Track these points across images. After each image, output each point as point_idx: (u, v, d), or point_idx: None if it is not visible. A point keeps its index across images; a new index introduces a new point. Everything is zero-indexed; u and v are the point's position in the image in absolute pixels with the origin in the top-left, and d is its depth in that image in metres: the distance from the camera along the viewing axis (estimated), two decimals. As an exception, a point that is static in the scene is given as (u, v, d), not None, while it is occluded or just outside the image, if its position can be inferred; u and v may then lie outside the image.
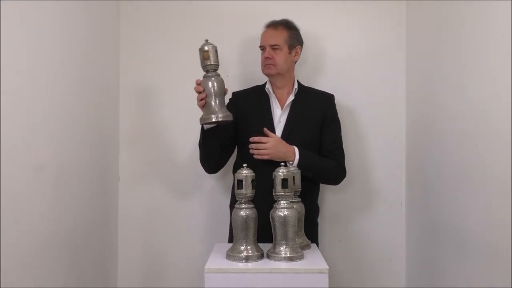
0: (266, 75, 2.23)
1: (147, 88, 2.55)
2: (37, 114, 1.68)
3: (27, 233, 1.62)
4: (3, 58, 1.46)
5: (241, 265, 1.70)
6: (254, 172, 1.79)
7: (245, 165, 1.79)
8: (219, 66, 1.97)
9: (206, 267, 1.67)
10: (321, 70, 2.54)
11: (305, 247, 1.89)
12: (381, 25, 2.54)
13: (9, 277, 1.49)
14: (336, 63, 2.53)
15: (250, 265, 1.70)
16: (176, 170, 2.54)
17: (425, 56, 2.31)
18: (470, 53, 1.84)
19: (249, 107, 2.22)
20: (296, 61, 2.27)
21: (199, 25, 2.52)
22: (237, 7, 2.53)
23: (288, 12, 2.32)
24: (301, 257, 1.74)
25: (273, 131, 2.14)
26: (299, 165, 2.01)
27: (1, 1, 1.45)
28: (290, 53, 2.20)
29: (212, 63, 1.94)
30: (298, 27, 2.25)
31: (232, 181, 2.17)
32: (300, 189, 1.91)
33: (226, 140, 2.15)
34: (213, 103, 1.95)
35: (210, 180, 2.52)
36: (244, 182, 1.76)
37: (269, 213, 1.76)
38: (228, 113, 1.97)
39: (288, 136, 2.13)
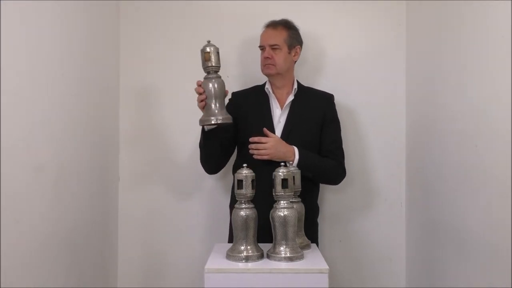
0: (266, 75, 2.23)
1: (147, 88, 2.55)
2: (37, 114, 1.68)
3: (27, 233, 1.62)
4: (3, 58, 1.46)
5: (241, 265, 1.70)
6: (254, 172, 1.79)
7: (245, 165, 1.79)
8: (220, 68, 1.97)
9: (206, 267, 1.67)
10: (321, 70, 2.54)
11: (305, 247, 1.89)
12: (381, 25, 2.54)
13: (9, 277, 1.49)
14: (336, 63, 2.53)
15: (250, 265, 1.70)
16: (176, 170, 2.54)
17: (425, 56, 2.31)
18: (470, 53, 1.84)
19: (249, 107, 2.22)
20: (295, 61, 2.27)
21: (199, 25, 2.52)
22: (237, 7, 2.53)
23: (288, 12, 2.32)
24: (301, 257, 1.74)
25: (273, 131, 2.14)
26: (299, 165, 2.01)
27: (1, 1, 1.45)
28: (289, 53, 2.20)
29: (213, 64, 1.94)
30: (297, 27, 2.25)
31: (232, 181, 2.17)
32: (300, 189, 1.91)
33: (226, 140, 2.15)
34: (213, 105, 1.95)
35: (210, 180, 2.52)
36: (244, 182, 1.76)
37: (269, 213, 1.76)
38: (228, 115, 1.97)
39: (288, 136, 2.13)
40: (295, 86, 2.24)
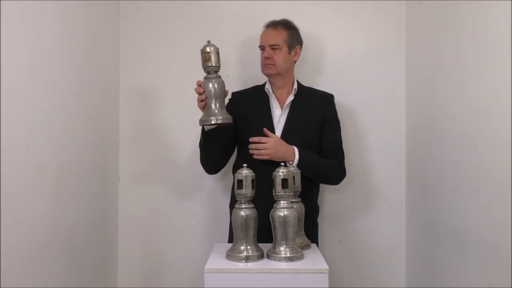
0: (266, 75, 2.23)
1: (147, 88, 2.55)
2: (37, 114, 1.68)
3: (27, 233, 1.62)
4: (3, 58, 1.46)
5: (241, 265, 1.70)
6: (254, 172, 1.79)
7: (245, 165, 1.79)
8: (220, 68, 1.97)
9: (206, 267, 1.67)
10: (321, 70, 2.54)
11: (305, 247, 1.89)
12: (381, 25, 2.54)
13: (9, 277, 1.49)
14: (336, 63, 2.53)
15: (250, 265, 1.70)
16: (176, 170, 2.54)
17: (425, 56, 2.31)
18: (470, 53, 1.84)
19: (249, 107, 2.22)
20: (295, 61, 2.27)
21: (199, 25, 2.52)
22: (237, 7, 2.53)
23: (288, 12, 2.32)
24: (301, 257, 1.74)
25: (273, 131, 2.14)
26: (299, 165, 2.01)
27: (1, 1, 1.45)
28: (289, 53, 2.20)
29: (213, 64, 1.94)
30: (297, 27, 2.25)
31: (232, 181, 2.17)
32: (300, 189, 1.91)
33: (226, 140, 2.15)
34: (212, 105, 1.95)
35: (210, 180, 2.52)
36: (244, 182, 1.76)
37: (269, 213, 1.76)
38: (228, 115, 1.97)
39: (288, 136, 2.13)
40: (295, 86, 2.24)
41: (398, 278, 2.53)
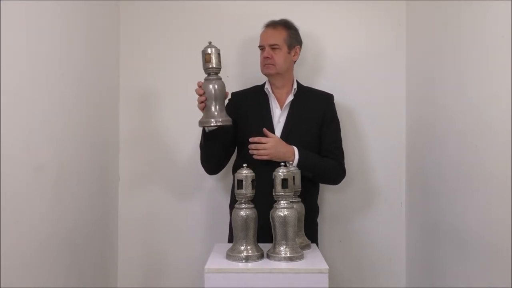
0: (265, 75, 2.23)
1: (147, 88, 2.55)
2: (37, 114, 1.68)
3: (27, 233, 1.62)
4: (3, 58, 1.46)
5: (241, 265, 1.70)
6: (254, 172, 1.79)
7: (245, 165, 1.79)
8: (221, 69, 1.97)
9: (206, 267, 1.67)
10: (321, 70, 2.54)
11: (305, 247, 1.89)
12: (381, 25, 2.54)
13: (9, 277, 1.49)
14: (335, 63, 2.53)
15: (250, 265, 1.70)
16: (176, 170, 2.54)
17: (425, 56, 2.31)
18: (470, 53, 1.84)
19: (249, 108, 2.22)
20: (295, 61, 2.27)
21: (199, 25, 2.52)
22: (237, 7, 2.53)
23: (288, 12, 2.32)
24: (301, 257, 1.74)
25: (273, 131, 2.14)
26: (299, 165, 2.01)
27: (1, 1, 1.45)
28: (289, 53, 2.20)
29: (213, 66, 1.93)
30: (297, 27, 2.25)
31: (232, 181, 2.17)
32: (300, 189, 1.91)
33: (226, 141, 2.15)
34: (212, 107, 1.95)
35: (210, 180, 2.51)
36: (244, 182, 1.76)
37: (269, 213, 1.76)
38: (228, 117, 1.97)
39: (288, 136, 2.13)
40: (295, 86, 2.24)
41: (398, 278, 2.53)
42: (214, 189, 2.53)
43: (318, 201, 2.31)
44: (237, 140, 2.21)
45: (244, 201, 1.77)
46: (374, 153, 2.54)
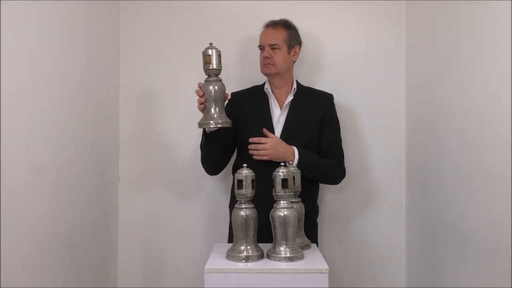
0: (265, 74, 2.23)
1: (147, 88, 2.55)
2: (37, 114, 1.68)
3: (27, 233, 1.62)
4: (3, 58, 1.46)
5: (241, 265, 1.70)
6: (254, 172, 1.79)
7: (245, 165, 1.79)
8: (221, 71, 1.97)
9: (206, 267, 1.67)
10: (320, 70, 2.54)
11: (305, 247, 1.89)
12: (381, 25, 2.54)
13: (9, 277, 1.49)
14: (335, 63, 2.53)
15: (250, 265, 1.70)
16: (176, 170, 2.54)
17: (425, 56, 2.31)
18: (470, 53, 1.84)
19: (248, 108, 2.22)
20: (295, 61, 2.27)
21: (199, 25, 2.52)
22: (237, 7, 2.53)
23: (288, 12, 2.32)
24: (301, 257, 1.74)
25: (272, 131, 2.14)
26: (299, 165, 2.01)
27: (1, 1, 1.45)
28: (289, 52, 2.20)
29: (214, 67, 1.93)
30: (297, 27, 2.25)
31: (232, 181, 2.17)
32: (300, 189, 1.91)
33: (227, 141, 2.15)
34: (212, 109, 1.95)
35: (210, 181, 2.51)
36: (244, 182, 1.76)
37: (269, 213, 1.76)
38: (227, 119, 1.97)
39: (287, 136, 2.13)
40: (294, 86, 2.24)
41: (398, 278, 2.53)
42: (214, 189, 2.53)
43: (318, 201, 2.31)
44: (237, 140, 2.21)
45: (244, 201, 1.77)
46: (374, 153, 2.54)
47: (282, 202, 1.75)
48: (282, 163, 1.82)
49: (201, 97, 1.96)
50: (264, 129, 2.07)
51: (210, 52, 1.92)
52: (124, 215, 2.54)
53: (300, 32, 2.26)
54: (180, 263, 2.53)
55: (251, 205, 1.77)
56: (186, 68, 2.44)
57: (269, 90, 2.23)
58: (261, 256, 1.75)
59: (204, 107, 1.97)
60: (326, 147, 2.19)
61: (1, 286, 1.45)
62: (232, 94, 2.28)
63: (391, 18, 2.54)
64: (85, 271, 2.12)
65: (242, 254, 1.73)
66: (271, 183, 1.78)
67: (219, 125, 1.95)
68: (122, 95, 2.55)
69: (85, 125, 2.11)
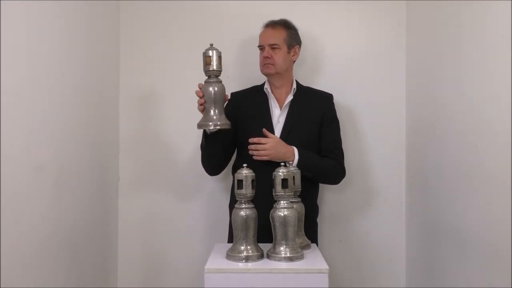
0: (265, 74, 2.22)
1: (147, 88, 2.55)
2: (37, 114, 1.68)
3: (27, 233, 1.62)
4: (3, 58, 1.46)
5: (241, 265, 1.70)
6: (254, 172, 1.79)
7: (245, 165, 1.79)
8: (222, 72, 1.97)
9: (206, 267, 1.67)
10: (320, 70, 2.54)
11: (305, 247, 1.89)
12: (381, 25, 2.54)
13: (9, 277, 1.49)
14: (335, 63, 2.53)
15: (250, 265, 1.70)
16: (176, 170, 2.54)
17: (425, 56, 2.31)
18: (470, 53, 1.84)
19: (248, 108, 2.22)
20: (294, 61, 2.27)
21: (199, 25, 2.52)
22: (237, 7, 2.53)
23: (288, 12, 2.32)
24: (301, 257, 1.74)
25: (272, 131, 2.14)
26: (299, 165, 2.01)
27: (1, 1, 1.45)
28: (289, 52, 2.20)
29: (214, 69, 1.93)
30: (296, 27, 2.25)
31: (232, 181, 2.17)
32: (300, 189, 1.90)
33: (227, 141, 2.15)
34: (211, 110, 1.95)
35: (210, 181, 2.51)
36: (244, 182, 1.76)
37: (269, 213, 1.76)
38: (226, 121, 1.97)
39: (287, 136, 2.13)
40: (294, 86, 2.24)
41: (398, 278, 2.53)
42: (214, 189, 2.53)
43: (318, 201, 2.31)
44: (237, 140, 2.21)
45: (244, 201, 1.77)
46: (374, 153, 2.54)
47: (282, 202, 1.75)
48: (282, 163, 1.82)
49: (201, 98, 1.96)
50: (264, 129, 2.07)
51: (210, 53, 1.92)
52: (124, 215, 2.54)
53: (300, 32, 2.26)
54: (180, 263, 2.53)
55: (251, 205, 1.77)
56: (186, 68, 2.44)
57: (269, 90, 2.23)
58: (261, 256, 1.75)
59: (203, 108, 1.97)
60: (326, 147, 2.19)
61: (1, 286, 1.45)
62: (232, 94, 2.28)
63: (391, 18, 2.54)
64: (85, 271, 2.12)
65: (242, 254, 1.73)
66: (271, 183, 1.78)
67: (218, 127, 1.95)
68: (122, 95, 2.55)
69: (85, 125, 2.11)
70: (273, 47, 2.16)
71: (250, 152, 2.05)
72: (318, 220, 2.30)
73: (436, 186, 2.15)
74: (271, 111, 2.21)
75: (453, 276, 1.96)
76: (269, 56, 2.16)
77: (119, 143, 2.54)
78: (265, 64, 2.17)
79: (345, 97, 2.47)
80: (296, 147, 2.08)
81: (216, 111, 1.96)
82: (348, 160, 2.29)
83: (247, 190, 1.76)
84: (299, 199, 1.92)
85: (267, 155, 2.03)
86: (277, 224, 1.74)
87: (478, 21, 1.78)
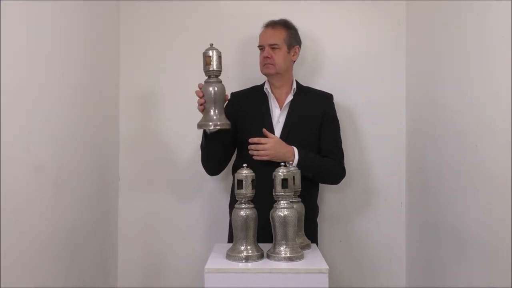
0: (265, 74, 2.23)
1: (147, 88, 2.55)
2: (37, 114, 1.68)
3: (27, 233, 1.62)
4: (3, 58, 1.46)
5: (241, 265, 1.70)
6: (254, 172, 1.79)
7: (245, 165, 1.79)
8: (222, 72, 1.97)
9: (206, 267, 1.67)
10: (320, 70, 2.54)
11: (305, 247, 1.89)
12: (381, 25, 2.54)
13: (9, 277, 1.49)
14: (335, 63, 2.53)
15: (250, 265, 1.70)
16: (176, 170, 2.54)
17: (425, 56, 2.31)
18: (470, 53, 1.84)
19: (248, 108, 2.22)
20: (294, 61, 2.27)
21: (199, 25, 2.52)
22: (237, 7, 2.53)
23: (288, 12, 2.32)
24: (301, 257, 1.74)
25: (272, 131, 2.14)
26: (299, 165, 2.01)
27: (1, 1, 1.45)
28: (289, 52, 2.20)
29: (214, 69, 1.93)
30: (296, 27, 2.25)
31: (232, 181, 2.17)
32: (300, 189, 1.90)
33: (227, 141, 2.15)
34: (211, 110, 1.95)
35: (210, 181, 2.51)
36: (244, 182, 1.76)
37: (269, 213, 1.76)
38: (226, 121, 1.97)
39: (287, 136, 2.13)
40: (294, 86, 2.24)
41: (398, 278, 2.53)
42: (214, 189, 2.53)
43: (318, 201, 2.31)
44: (237, 140, 2.21)
45: (244, 201, 1.77)
46: (374, 153, 2.54)
47: (282, 202, 1.75)
48: (282, 163, 1.82)
49: (201, 98, 1.96)
50: (264, 129, 2.07)
51: (210, 53, 1.92)
52: (124, 215, 2.54)
53: (300, 32, 2.26)
54: (180, 263, 2.53)
55: (251, 205, 1.77)
56: (186, 68, 2.44)
57: (269, 90, 2.23)
58: (261, 256, 1.75)
59: (203, 108, 1.97)
60: (326, 147, 2.19)
61: (1, 286, 1.45)
62: (232, 94, 2.28)
63: (391, 18, 2.54)
64: (85, 271, 2.12)
65: (242, 254, 1.73)
66: (271, 183, 1.78)
67: (218, 127, 1.95)
68: (122, 95, 2.55)
69: (85, 125, 2.11)
70: (273, 47, 2.16)
71: (250, 152, 2.05)
72: (318, 220, 2.30)
73: (436, 186, 2.15)
74: (271, 111, 2.21)
75: (453, 276, 1.96)
76: (269, 56, 2.16)
77: (119, 143, 2.54)
78: (265, 64, 2.17)
79: (345, 97, 2.47)
80: (296, 147, 2.08)
81: (216, 111, 1.96)
82: (348, 160, 2.29)
83: (247, 190, 1.76)
84: (299, 199, 1.92)
85: (267, 155, 2.03)
86: (277, 224, 1.74)
87: (478, 21, 1.78)
